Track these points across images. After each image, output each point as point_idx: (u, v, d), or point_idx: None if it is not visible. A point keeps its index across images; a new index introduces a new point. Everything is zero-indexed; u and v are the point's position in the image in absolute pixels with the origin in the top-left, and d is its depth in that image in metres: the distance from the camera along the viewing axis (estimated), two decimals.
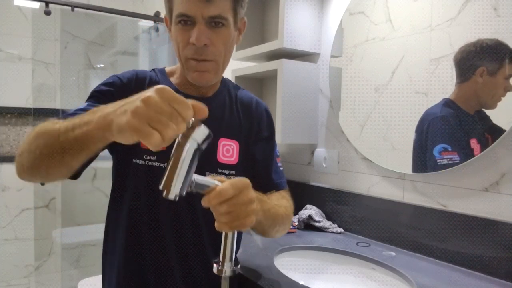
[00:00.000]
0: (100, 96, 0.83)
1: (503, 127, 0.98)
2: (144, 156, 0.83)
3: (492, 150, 1.01)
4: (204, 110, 0.55)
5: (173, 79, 0.91)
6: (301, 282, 0.95)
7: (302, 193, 1.58)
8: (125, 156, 0.85)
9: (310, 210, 1.44)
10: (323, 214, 1.46)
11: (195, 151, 0.56)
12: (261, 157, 0.96)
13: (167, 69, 0.94)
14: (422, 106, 1.16)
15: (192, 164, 0.57)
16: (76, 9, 2.18)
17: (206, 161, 0.86)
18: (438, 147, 1.11)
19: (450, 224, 1.09)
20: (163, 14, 2.68)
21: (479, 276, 1.00)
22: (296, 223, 1.42)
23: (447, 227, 1.09)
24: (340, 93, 1.43)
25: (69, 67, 2.77)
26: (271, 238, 1.29)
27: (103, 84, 0.85)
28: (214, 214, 0.63)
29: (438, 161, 1.10)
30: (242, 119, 0.94)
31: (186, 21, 0.79)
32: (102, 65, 2.91)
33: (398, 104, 1.22)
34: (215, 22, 0.79)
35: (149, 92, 0.52)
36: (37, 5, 2.45)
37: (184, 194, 0.58)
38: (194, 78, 0.84)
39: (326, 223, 1.40)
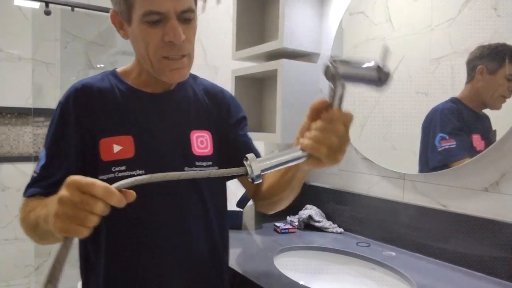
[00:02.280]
0: (56, 144, 0.81)
1: (504, 127, 0.98)
2: (112, 169, 0.79)
3: (492, 150, 1.01)
4: (131, 194, 0.58)
5: (130, 80, 0.86)
6: (301, 282, 0.95)
7: (302, 193, 1.57)
8: (89, 174, 0.77)
9: (310, 210, 1.44)
10: (323, 214, 1.46)
11: None
12: (242, 140, 0.95)
13: (119, 70, 0.89)
14: (422, 106, 1.16)
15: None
16: (76, 9, 2.19)
17: (182, 155, 0.84)
18: (438, 137, 1.11)
19: (450, 224, 1.09)
20: None
21: (479, 276, 1.00)
22: (296, 223, 1.42)
23: (447, 227, 1.09)
24: None
25: (69, 67, 2.77)
26: (271, 238, 1.29)
27: (54, 125, 0.83)
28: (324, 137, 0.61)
29: (438, 150, 1.11)
30: (211, 108, 0.92)
31: (156, 19, 0.74)
32: (102, 65, 2.91)
33: (398, 104, 1.22)
34: (184, 16, 0.76)
35: (62, 191, 0.56)
36: (37, 5, 2.45)
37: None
38: (171, 76, 0.80)
39: (326, 223, 1.40)
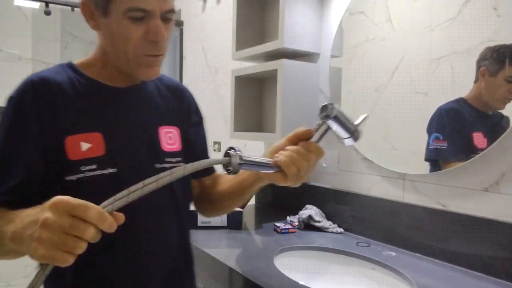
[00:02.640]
0: (11, 143, 0.73)
1: (506, 126, 0.98)
2: (81, 168, 0.73)
3: (492, 150, 1.01)
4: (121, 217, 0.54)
5: (91, 73, 0.81)
6: (301, 282, 0.95)
7: (302, 193, 1.58)
8: (54, 175, 0.73)
9: (310, 210, 1.44)
10: (323, 214, 1.46)
11: None
12: (199, 142, 0.95)
13: (77, 62, 0.83)
14: (422, 106, 1.16)
15: None
16: (76, 9, 2.19)
17: (152, 153, 0.82)
18: (433, 136, 1.13)
19: (450, 224, 1.09)
20: None
21: (479, 276, 1.00)
22: (296, 223, 1.43)
23: (447, 227, 1.09)
24: (340, 93, 1.43)
25: None
26: (271, 238, 1.29)
27: (7, 123, 0.74)
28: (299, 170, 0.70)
29: (430, 147, 1.13)
30: (175, 104, 0.91)
31: (140, 16, 0.72)
32: None
33: (398, 104, 1.22)
34: (166, 16, 0.75)
35: (46, 213, 0.50)
36: (37, 5, 2.45)
37: None
38: (146, 74, 0.78)
39: (326, 223, 1.40)
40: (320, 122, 0.72)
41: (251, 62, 1.72)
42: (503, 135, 0.98)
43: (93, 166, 0.74)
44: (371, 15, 1.30)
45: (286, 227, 1.36)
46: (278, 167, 0.70)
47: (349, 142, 0.75)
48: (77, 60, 0.83)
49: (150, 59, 0.77)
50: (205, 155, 0.96)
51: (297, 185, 0.74)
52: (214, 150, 2.23)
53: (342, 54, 1.42)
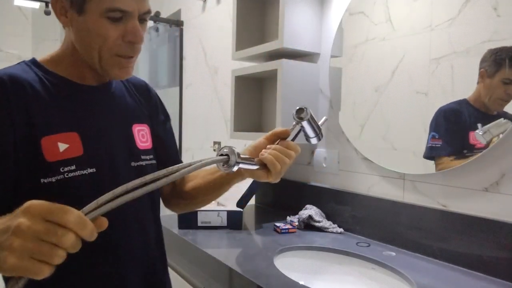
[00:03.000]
0: None
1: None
2: (61, 169, 0.71)
3: (492, 150, 1.01)
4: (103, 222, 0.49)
5: (59, 70, 0.78)
6: (301, 282, 0.95)
7: (302, 193, 1.58)
8: (28, 178, 0.69)
9: (310, 210, 1.44)
10: (323, 214, 1.46)
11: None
12: (168, 140, 0.96)
13: (41, 59, 0.79)
14: (422, 106, 1.16)
15: None
16: None
17: (129, 151, 0.82)
18: (430, 135, 1.15)
19: (450, 224, 1.09)
20: (163, 14, 2.70)
21: (479, 276, 1.01)
22: (296, 223, 1.43)
23: (447, 227, 1.09)
24: (340, 93, 1.43)
25: None
26: (271, 238, 1.29)
27: None
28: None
29: (428, 145, 1.15)
30: (143, 102, 0.91)
31: (118, 16, 0.71)
32: None
33: (398, 104, 1.22)
34: (143, 18, 0.75)
35: (19, 218, 0.45)
36: (37, 5, 2.45)
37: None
38: (119, 74, 0.78)
39: (326, 223, 1.40)
40: (295, 122, 0.79)
41: (251, 62, 1.72)
42: (503, 135, 0.98)
43: (73, 167, 0.72)
44: (371, 15, 1.30)
45: (286, 227, 1.36)
46: (262, 165, 0.75)
47: (314, 141, 0.85)
48: (40, 57, 0.80)
49: (124, 60, 0.76)
50: (175, 152, 0.98)
51: (277, 181, 0.78)
52: (214, 150, 2.23)
53: (342, 54, 1.42)
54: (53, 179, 0.70)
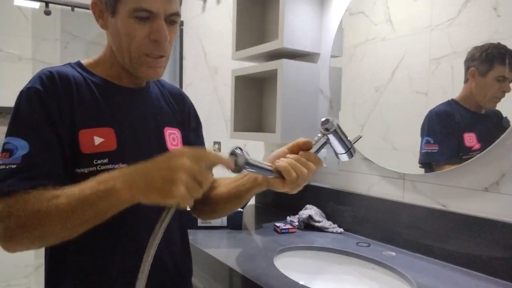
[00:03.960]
0: (37, 131, 0.72)
1: (506, 126, 0.98)
2: (94, 161, 0.75)
3: (492, 150, 1.01)
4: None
5: (99, 72, 0.84)
6: (301, 282, 0.95)
7: (302, 193, 1.56)
8: (65, 166, 0.74)
9: (310, 210, 1.44)
10: (323, 214, 1.46)
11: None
12: (199, 146, 0.99)
13: (84, 62, 0.85)
14: (422, 106, 1.16)
15: None
16: (76, 9, 2.19)
17: (159, 151, 0.83)
18: (424, 140, 1.14)
19: (450, 224, 1.09)
20: None
21: (479, 276, 1.00)
22: (296, 223, 1.42)
23: (447, 227, 1.09)
24: (340, 93, 1.43)
25: None
26: (271, 238, 1.29)
27: (29, 111, 0.73)
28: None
29: (422, 151, 1.15)
30: (176, 109, 0.95)
31: (145, 16, 0.75)
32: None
33: (398, 104, 1.22)
34: (171, 19, 0.78)
35: (178, 159, 0.58)
36: (37, 5, 2.45)
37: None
38: (147, 74, 0.81)
39: (326, 223, 1.40)
40: (320, 135, 0.76)
41: (251, 62, 1.72)
42: (503, 135, 0.98)
43: (105, 160, 0.76)
44: (371, 15, 1.30)
45: (286, 227, 1.36)
46: (278, 173, 0.74)
47: (344, 157, 0.80)
48: (83, 60, 0.86)
49: (151, 60, 0.79)
50: None
51: (294, 192, 0.77)
52: (214, 150, 2.23)
53: (342, 54, 1.42)
54: (86, 170, 0.74)
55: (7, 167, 0.68)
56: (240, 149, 0.67)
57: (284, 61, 1.42)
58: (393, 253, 1.16)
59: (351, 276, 1.14)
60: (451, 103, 1.09)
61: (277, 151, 0.80)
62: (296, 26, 1.46)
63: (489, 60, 1.00)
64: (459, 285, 0.96)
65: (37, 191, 0.66)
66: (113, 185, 0.61)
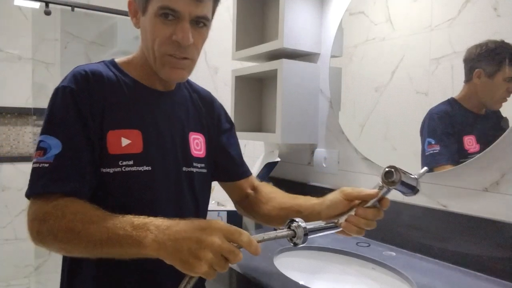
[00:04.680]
0: (69, 130, 0.74)
1: (505, 127, 0.98)
2: (120, 162, 0.76)
3: (492, 150, 1.01)
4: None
5: (131, 72, 0.85)
6: (301, 282, 0.95)
7: (302, 193, 1.57)
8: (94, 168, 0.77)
9: None
10: None
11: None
12: (231, 147, 0.99)
13: (118, 60, 0.86)
14: (422, 106, 1.16)
15: None
16: (76, 9, 2.19)
17: (182, 155, 0.85)
18: (426, 142, 1.14)
19: (450, 224, 1.09)
20: None
21: (479, 276, 1.00)
22: None
23: (447, 227, 1.09)
24: (340, 93, 1.43)
25: (69, 67, 2.75)
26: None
27: (62, 109, 0.75)
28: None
29: (426, 154, 1.14)
30: (204, 113, 0.95)
31: (169, 14, 0.74)
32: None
33: (398, 104, 1.22)
34: (198, 22, 0.78)
35: (207, 234, 0.58)
36: (37, 5, 2.45)
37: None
38: (169, 74, 0.81)
39: None
40: (383, 185, 0.75)
41: (251, 62, 1.72)
42: (503, 135, 0.98)
43: (130, 162, 0.77)
44: (371, 15, 1.30)
45: None
46: (338, 227, 0.77)
47: (411, 195, 0.77)
48: (118, 58, 0.87)
49: (174, 60, 0.78)
50: (239, 158, 1.00)
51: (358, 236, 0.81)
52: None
53: (342, 54, 1.42)
54: (111, 171, 0.76)
55: (40, 166, 0.71)
56: (295, 221, 0.67)
57: (284, 61, 1.42)
58: (393, 253, 1.16)
59: (351, 276, 1.14)
60: (451, 102, 1.08)
61: (333, 197, 0.81)
62: (296, 26, 1.46)
63: (496, 60, 0.98)
64: (459, 285, 0.96)
65: (74, 203, 0.69)
66: (144, 237, 0.61)
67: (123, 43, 2.80)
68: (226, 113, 1.02)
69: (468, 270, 1.04)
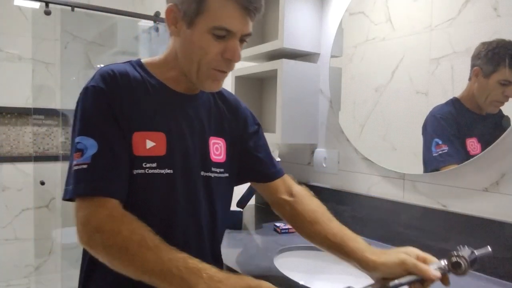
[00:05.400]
0: (103, 130, 0.75)
1: (506, 126, 0.98)
2: (143, 164, 0.77)
3: (492, 150, 1.01)
4: None
5: (158, 74, 0.85)
6: (301, 282, 0.95)
7: None
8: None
9: None
10: None
11: None
12: (260, 149, 0.98)
13: (145, 61, 0.86)
14: (422, 106, 1.16)
15: None
16: (76, 9, 2.18)
17: (201, 160, 0.86)
18: (434, 142, 1.12)
19: (450, 224, 1.09)
20: (163, 14, 2.69)
21: (479, 276, 1.00)
22: None
23: (447, 227, 1.09)
24: (340, 93, 1.43)
25: (69, 67, 2.77)
26: (271, 238, 1.29)
27: (94, 110, 0.76)
28: None
29: (434, 155, 1.12)
30: (228, 116, 0.94)
31: (223, 35, 0.76)
32: (102, 65, 2.90)
33: (398, 104, 1.22)
34: (243, 39, 0.79)
35: None
36: (37, 5, 2.45)
37: None
38: (210, 86, 0.82)
39: None
40: (446, 268, 0.76)
41: (251, 62, 1.72)
42: (503, 135, 0.98)
43: (154, 165, 0.78)
44: (371, 15, 1.30)
45: (286, 227, 1.36)
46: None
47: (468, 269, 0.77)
48: (144, 59, 0.87)
49: (219, 74, 0.80)
50: (269, 159, 0.99)
51: None
52: None
53: (342, 54, 1.42)
54: (134, 172, 0.76)
55: (80, 167, 0.72)
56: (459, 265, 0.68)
57: (284, 61, 1.42)
58: None
59: (351, 276, 1.14)
60: (454, 102, 1.07)
61: (389, 264, 0.80)
62: (296, 26, 1.46)
63: (494, 60, 0.97)
64: (459, 285, 0.95)
65: (129, 219, 0.70)
66: (195, 284, 0.62)
67: (123, 43, 2.80)
68: (252, 115, 1.01)
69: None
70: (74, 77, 2.76)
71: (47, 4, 2.09)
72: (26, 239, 2.74)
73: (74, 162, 0.73)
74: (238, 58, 0.78)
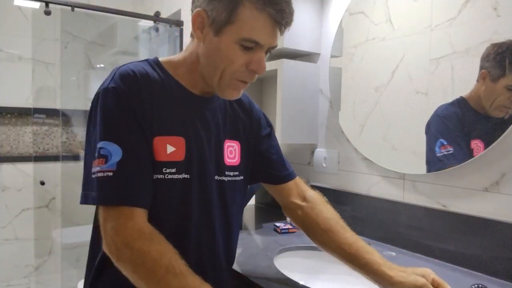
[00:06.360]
0: (127, 135, 0.73)
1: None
2: (163, 170, 0.76)
3: (492, 150, 1.01)
4: None
5: (176, 75, 0.83)
6: (301, 282, 0.95)
7: None
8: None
9: None
10: None
11: None
12: (272, 151, 0.97)
13: (163, 60, 0.84)
14: (422, 106, 1.16)
15: None
16: (76, 9, 2.18)
17: (215, 165, 0.85)
18: (438, 143, 1.12)
19: (450, 224, 1.09)
20: (163, 14, 2.69)
21: (479, 276, 1.00)
22: None
23: (447, 227, 1.09)
24: (340, 93, 1.43)
25: (69, 67, 2.77)
26: (271, 238, 1.29)
27: (116, 113, 0.73)
28: None
29: (438, 155, 1.11)
30: (242, 118, 0.94)
31: (251, 46, 0.75)
32: (102, 65, 2.91)
33: (398, 104, 1.22)
34: (270, 50, 0.79)
35: None
36: (37, 5, 2.45)
37: None
38: (230, 95, 0.81)
39: None
40: None
41: None
42: (503, 135, 0.98)
43: (173, 170, 0.77)
44: (371, 15, 1.30)
45: (286, 227, 1.36)
46: None
47: None
48: (162, 58, 0.85)
49: (241, 84, 0.79)
50: (281, 161, 0.99)
51: None
52: None
53: (342, 54, 1.42)
54: (154, 177, 0.76)
55: (105, 174, 0.70)
56: None
57: (284, 61, 1.42)
58: (393, 253, 1.16)
59: (351, 276, 1.14)
60: (460, 103, 1.06)
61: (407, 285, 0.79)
62: (296, 26, 1.46)
63: (503, 64, 0.95)
64: (459, 285, 0.95)
65: (159, 240, 0.70)
66: None
67: (123, 43, 2.80)
68: (265, 116, 1.01)
69: (468, 270, 1.04)
70: (74, 77, 2.76)
71: (47, 4, 2.09)
72: (26, 239, 2.73)
73: (98, 169, 0.71)
74: (262, 71, 0.77)
